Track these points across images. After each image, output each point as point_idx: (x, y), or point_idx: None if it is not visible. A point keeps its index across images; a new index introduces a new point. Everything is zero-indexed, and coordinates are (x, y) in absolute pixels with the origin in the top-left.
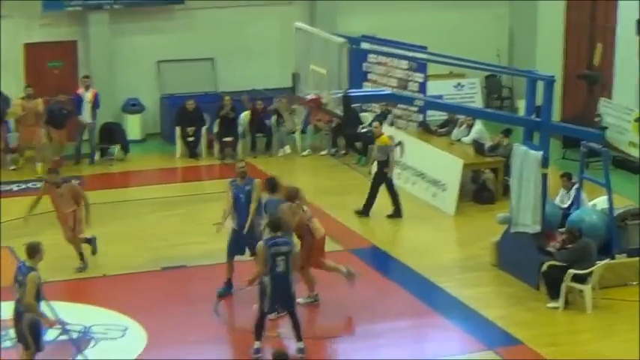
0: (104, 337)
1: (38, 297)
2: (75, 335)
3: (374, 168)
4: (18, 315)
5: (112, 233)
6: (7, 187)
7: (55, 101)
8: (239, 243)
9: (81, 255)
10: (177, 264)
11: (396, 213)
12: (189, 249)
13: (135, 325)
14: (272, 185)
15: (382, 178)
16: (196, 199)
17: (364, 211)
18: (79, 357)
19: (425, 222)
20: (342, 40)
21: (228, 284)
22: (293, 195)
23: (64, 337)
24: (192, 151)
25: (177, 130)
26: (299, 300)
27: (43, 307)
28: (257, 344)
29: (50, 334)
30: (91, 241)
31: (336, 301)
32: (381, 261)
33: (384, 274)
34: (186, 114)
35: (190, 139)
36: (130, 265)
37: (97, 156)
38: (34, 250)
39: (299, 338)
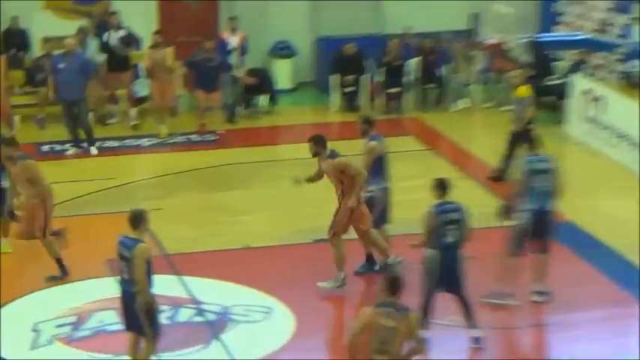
0: (244, 320)
1: (149, 273)
2: (211, 317)
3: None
4: (128, 297)
5: (257, 198)
6: (136, 142)
7: (199, 51)
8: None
9: (58, 261)
10: None
11: (499, 176)
12: None
13: (281, 307)
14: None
15: (521, 136)
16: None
17: (498, 176)
18: (215, 342)
19: (628, 193)
20: None
21: (369, 259)
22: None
23: (198, 319)
24: (350, 103)
25: (334, 78)
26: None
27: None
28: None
29: (183, 315)
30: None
31: (521, 285)
32: (575, 238)
33: (579, 255)
34: (344, 60)
35: (349, 89)
36: (277, 236)
37: (240, 108)
38: (138, 219)
39: (473, 325)
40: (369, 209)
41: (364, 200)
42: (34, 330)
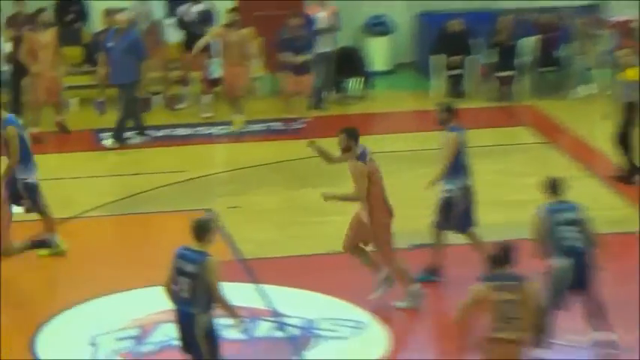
0: (332, 336)
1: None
2: (294, 331)
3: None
4: (187, 319)
5: None
6: (208, 130)
7: (285, 29)
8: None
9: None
10: (429, 241)
11: (627, 176)
12: None
13: (373, 321)
14: None
15: (629, 125)
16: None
17: (624, 176)
18: None
19: None
20: None
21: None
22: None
23: (279, 334)
24: (455, 88)
25: (437, 59)
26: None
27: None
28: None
29: (261, 329)
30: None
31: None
32: None
33: None
34: (449, 38)
35: (454, 72)
36: None
37: (329, 92)
38: (203, 229)
39: (607, 327)
40: (448, 211)
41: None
42: (92, 344)
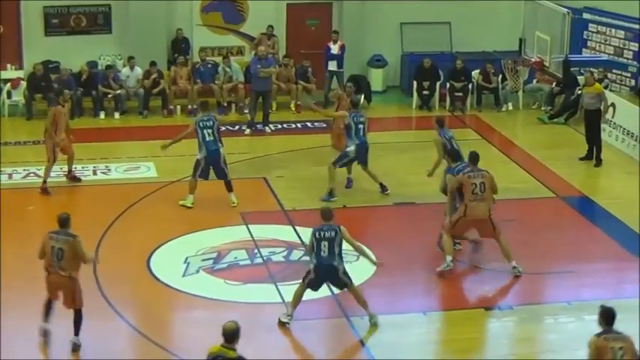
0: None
1: None
2: None
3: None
4: (334, 270)
5: (354, 171)
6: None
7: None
8: None
9: None
10: (408, 200)
11: (588, 156)
12: (419, 189)
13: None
14: None
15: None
16: (427, 145)
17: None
18: None
19: (632, 176)
20: (565, 10)
21: None
22: None
23: (305, 258)
24: (426, 103)
25: (415, 84)
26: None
27: None
28: None
29: (295, 255)
30: None
31: (545, 243)
32: (588, 209)
33: (591, 221)
34: (423, 70)
35: (425, 92)
36: (367, 200)
37: None
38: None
39: None
40: None
41: None
42: (185, 262)
